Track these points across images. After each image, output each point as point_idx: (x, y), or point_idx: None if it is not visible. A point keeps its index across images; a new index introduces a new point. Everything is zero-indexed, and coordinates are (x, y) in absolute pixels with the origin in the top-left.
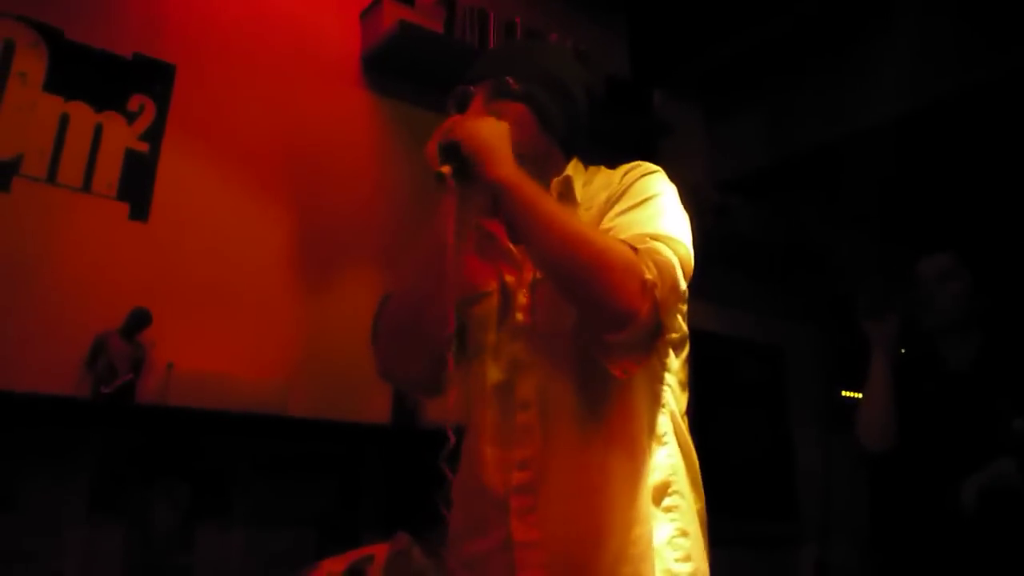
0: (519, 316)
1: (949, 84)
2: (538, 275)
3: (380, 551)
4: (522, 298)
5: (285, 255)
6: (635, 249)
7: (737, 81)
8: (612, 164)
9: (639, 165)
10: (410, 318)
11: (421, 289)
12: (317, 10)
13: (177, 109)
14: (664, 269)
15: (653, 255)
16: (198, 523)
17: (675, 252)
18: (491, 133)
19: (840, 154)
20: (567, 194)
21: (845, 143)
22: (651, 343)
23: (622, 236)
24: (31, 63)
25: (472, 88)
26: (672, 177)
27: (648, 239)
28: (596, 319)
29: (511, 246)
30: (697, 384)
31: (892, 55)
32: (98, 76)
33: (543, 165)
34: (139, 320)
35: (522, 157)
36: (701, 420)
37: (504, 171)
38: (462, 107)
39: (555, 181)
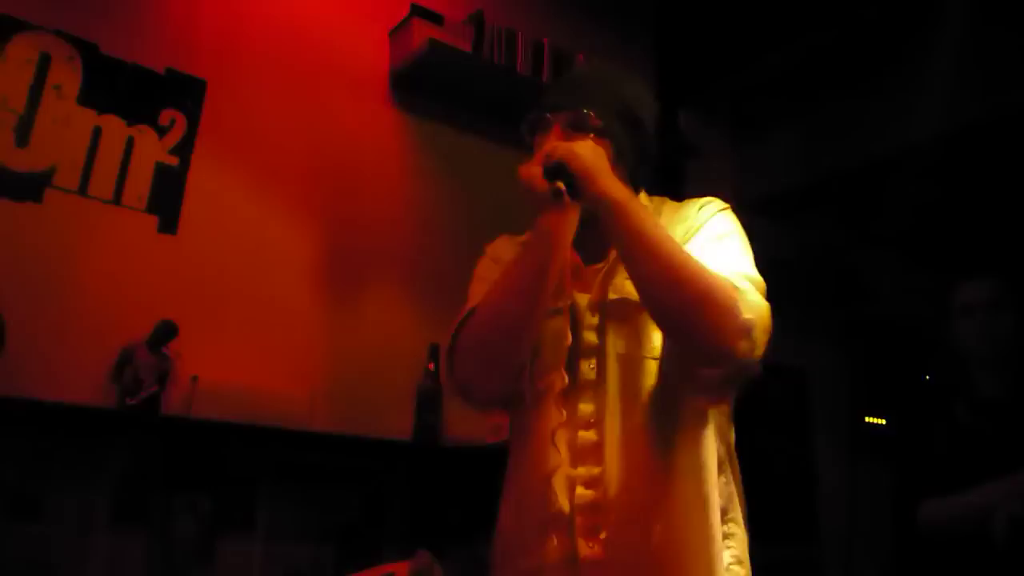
0: (589, 336)
1: (986, 105)
2: (609, 296)
3: (401, 569)
4: (591, 318)
5: (312, 270)
6: (732, 283)
7: (765, 102)
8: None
9: (713, 201)
10: (501, 334)
11: (518, 306)
12: (347, 28)
13: (207, 124)
14: (759, 311)
15: (750, 295)
16: (220, 535)
17: (763, 295)
18: (594, 153)
19: (870, 176)
20: None
21: (876, 165)
22: (741, 381)
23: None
24: (66, 76)
25: (548, 116)
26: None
27: (743, 278)
28: (693, 352)
29: (582, 265)
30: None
31: (926, 76)
32: (131, 90)
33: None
34: (166, 332)
35: None
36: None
37: (613, 188)
38: (535, 131)
39: None
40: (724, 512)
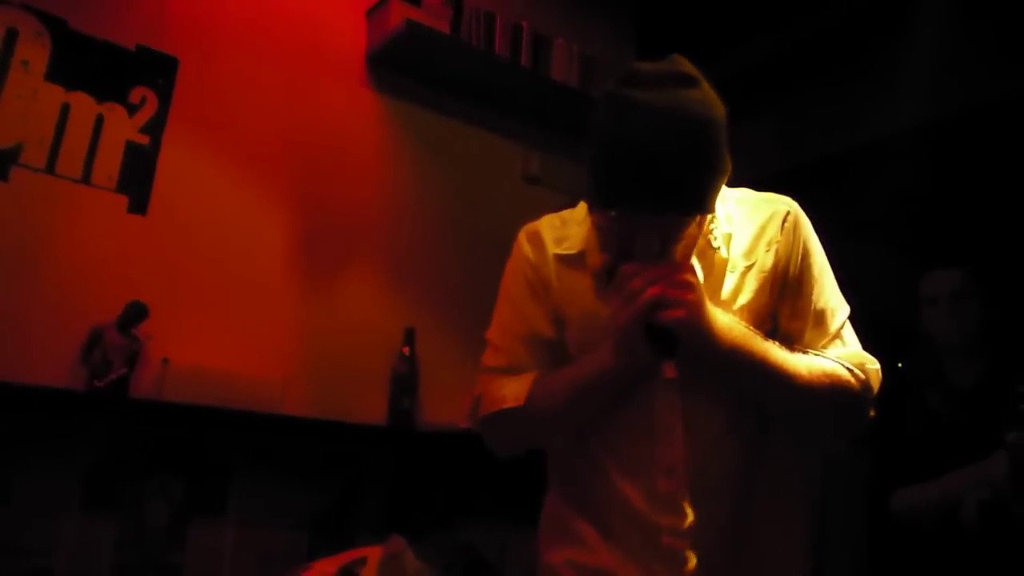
0: (666, 373)
1: (965, 96)
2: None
3: (373, 553)
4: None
5: (285, 252)
6: (850, 370)
7: (746, 89)
8: None
9: (786, 212)
10: (552, 430)
11: (579, 413)
12: (323, 7)
13: (179, 103)
14: (874, 377)
15: (865, 369)
16: (191, 520)
17: (853, 332)
18: (697, 310)
19: (849, 164)
20: (717, 250)
21: (857, 153)
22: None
23: (830, 344)
24: (34, 52)
25: (635, 223)
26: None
27: (854, 357)
28: (817, 438)
29: None
30: None
31: (909, 65)
32: (100, 67)
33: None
34: (136, 313)
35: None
36: None
37: (720, 352)
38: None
39: (711, 242)
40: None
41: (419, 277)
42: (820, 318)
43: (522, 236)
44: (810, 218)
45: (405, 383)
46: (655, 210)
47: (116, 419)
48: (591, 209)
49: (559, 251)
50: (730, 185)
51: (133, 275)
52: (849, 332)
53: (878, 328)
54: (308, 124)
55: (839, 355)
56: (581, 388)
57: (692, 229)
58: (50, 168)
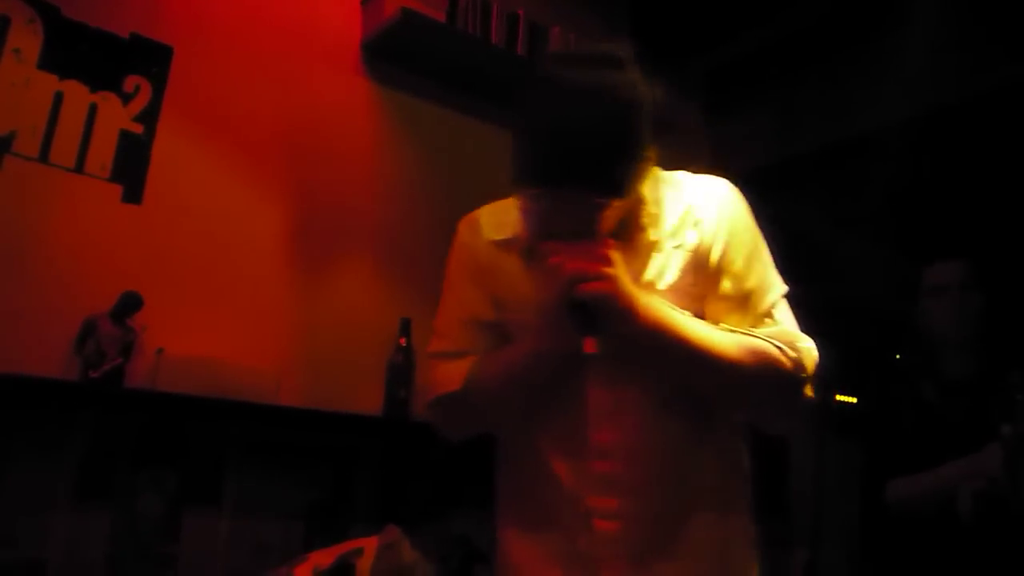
0: (599, 360)
1: (960, 87)
2: None
3: (369, 544)
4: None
5: (280, 241)
6: (780, 348)
7: (740, 79)
8: None
9: (714, 190)
10: (494, 415)
11: (518, 395)
12: None
13: (173, 91)
14: (809, 356)
15: (798, 346)
16: (185, 511)
17: (789, 311)
18: (618, 284)
19: (843, 156)
20: (645, 231)
21: (849, 145)
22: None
23: (760, 322)
24: (26, 40)
25: (563, 200)
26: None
27: (787, 334)
28: (761, 425)
29: None
30: None
31: (902, 56)
32: (94, 55)
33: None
34: (130, 303)
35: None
36: None
37: (643, 326)
38: (538, 266)
39: (641, 221)
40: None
41: (415, 267)
42: (749, 298)
43: (461, 224)
44: (806, 208)
45: (401, 374)
46: (573, 190)
47: (110, 409)
48: (517, 189)
49: (495, 236)
50: (721, 172)
51: (127, 265)
52: (783, 312)
53: (871, 318)
54: (303, 113)
55: (768, 333)
56: (514, 370)
57: (616, 209)
58: (43, 157)
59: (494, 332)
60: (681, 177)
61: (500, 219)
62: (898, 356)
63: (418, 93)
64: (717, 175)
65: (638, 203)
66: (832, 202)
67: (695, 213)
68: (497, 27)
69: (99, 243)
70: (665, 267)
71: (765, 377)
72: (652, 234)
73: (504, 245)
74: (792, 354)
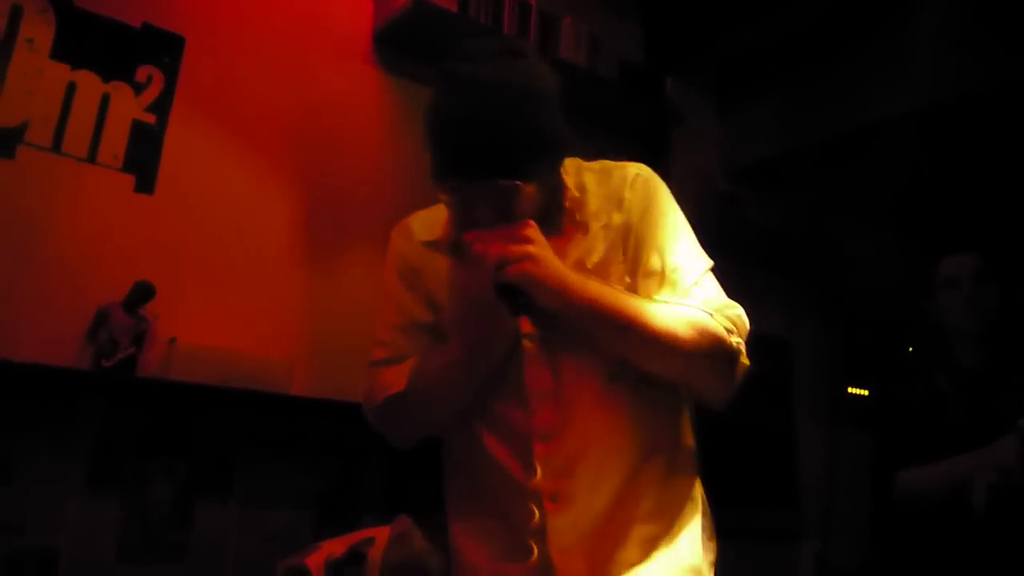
0: (527, 344)
1: (969, 79)
2: None
3: (381, 533)
4: (526, 326)
5: (292, 231)
6: (710, 313)
7: (752, 69)
8: (622, 152)
9: (637, 173)
10: (433, 414)
11: (457, 395)
12: None
13: (185, 81)
14: (738, 324)
15: (727, 314)
16: (196, 500)
17: (716, 283)
18: (541, 262)
19: (857, 146)
20: (573, 218)
21: (862, 135)
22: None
23: (685, 295)
24: (39, 30)
25: (468, 191)
26: (683, 166)
27: (712, 300)
28: (700, 393)
29: None
30: None
31: (913, 47)
32: (106, 45)
33: (544, 201)
34: (142, 293)
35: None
36: (704, 412)
37: (572, 300)
38: (462, 258)
39: (566, 207)
40: (692, 481)
41: None
42: (675, 271)
43: (393, 231)
44: (814, 198)
45: None
46: (480, 177)
47: (122, 398)
48: (435, 186)
49: (425, 238)
50: (733, 168)
51: (139, 255)
52: (710, 284)
53: (882, 311)
54: (314, 103)
55: (698, 302)
56: (453, 363)
57: (530, 195)
58: (56, 147)
59: (432, 334)
60: (604, 164)
61: (430, 221)
62: (911, 348)
63: (429, 83)
64: (727, 165)
65: (560, 189)
66: (843, 193)
67: (618, 195)
68: (509, 17)
69: (111, 233)
70: (592, 247)
71: (699, 342)
72: (578, 216)
73: (434, 246)
74: (723, 320)
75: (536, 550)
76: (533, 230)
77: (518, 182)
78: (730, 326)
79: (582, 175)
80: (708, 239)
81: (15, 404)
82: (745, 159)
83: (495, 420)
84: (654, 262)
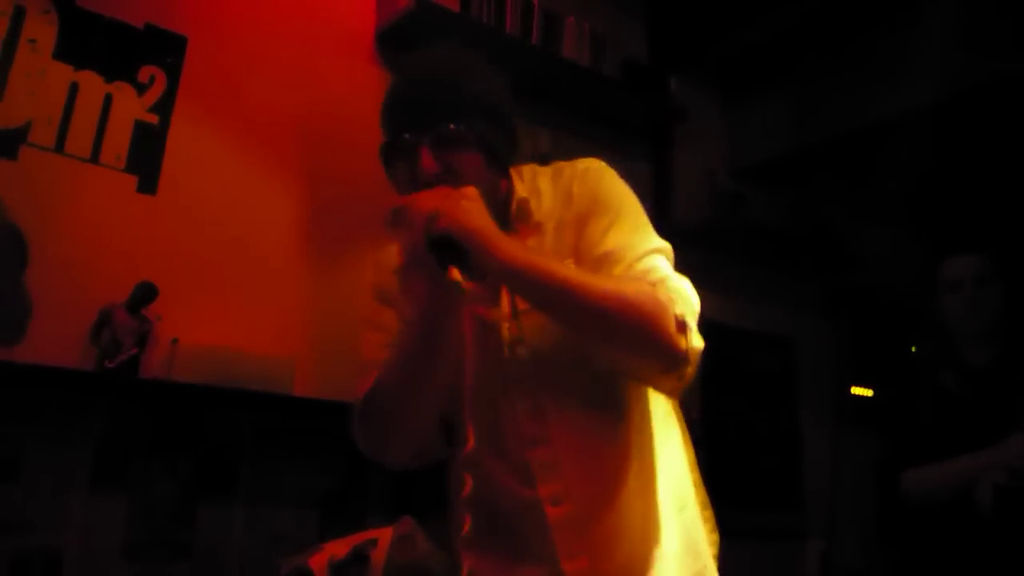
0: (513, 352)
1: (976, 75)
2: (520, 305)
3: (384, 535)
4: (507, 332)
5: (295, 232)
6: (652, 283)
7: (757, 67)
8: (624, 149)
9: (587, 166)
10: (400, 410)
11: (414, 385)
12: None
13: (188, 81)
14: (683, 296)
15: (669, 285)
16: (200, 499)
17: (670, 262)
18: (475, 215)
19: (862, 143)
20: (526, 218)
21: (867, 132)
22: (693, 369)
23: (627, 271)
24: (41, 30)
25: (408, 138)
26: (687, 164)
27: (654, 265)
28: (641, 368)
29: (477, 285)
30: (706, 375)
31: (919, 43)
32: (109, 45)
33: (493, 196)
34: (145, 294)
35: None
36: (709, 411)
37: (505, 256)
38: (395, 159)
39: (514, 209)
40: (680, 486)
41: None
42: (618, 252)
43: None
44: (819, 196)
45: None
46: (422, 123)
47: (126, 399)
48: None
49: (396, 265)
50: (738, 165)
51: (142, 255)
52: (657, 261)
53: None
54: (318, 103)
55: (637, 275)
56: (408, 340)
57: (479, 165)
58: (59, 147)
59: None
60: (558, 165)
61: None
62: (914, 347)
63: None
64: (732, 163)
65: (511, 193)
66: (850, 190)
67: (568, 191)
68: (512, 16)
69: (114, 233)
70: (544, 245)
71: (639, 309)
72: (532, 219)
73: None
74: (665, 291)
75: (542, 559)
76: (471, 190)
77: (458, 126)
78: (673, 296)
79: (536, 179)
80: (712, 237)
81: (21, 404)
82: (749, 157)
83: (486, 438)
84: (600, 246)
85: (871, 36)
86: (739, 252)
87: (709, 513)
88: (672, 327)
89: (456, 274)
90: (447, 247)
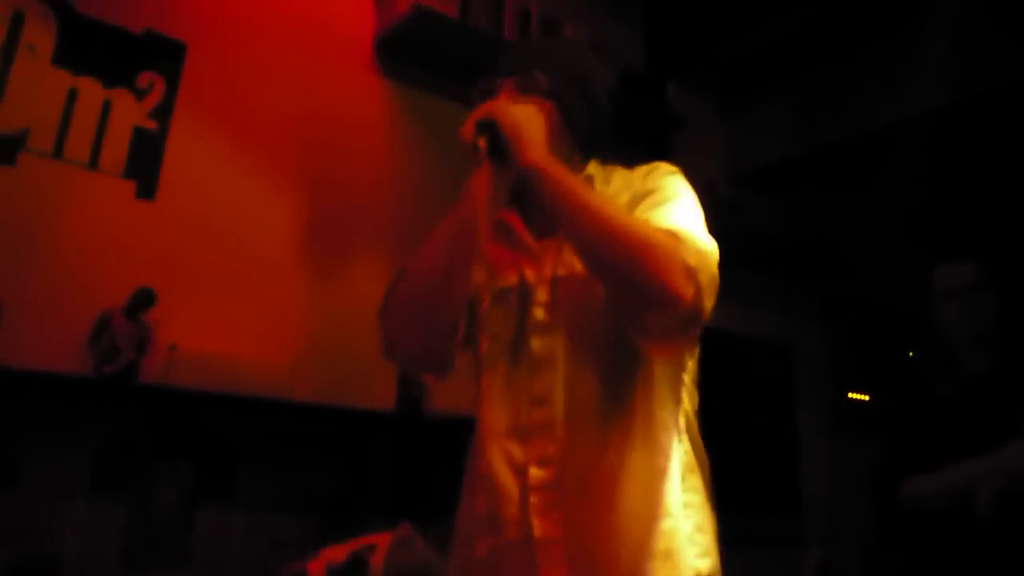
0: (539, 313)
1: (977, 81)
2: (559, 271)
3: (382, 540)
4: (542, 295)
5: (294, 238)
6: (675, 236)
7: (754, 75)
8: (625, 157)
9: (660, 166)
10: (427, 293)
11: (443, 264)
12: None
13: (187, 88)
14: (704, 257)
15: (694, 242)
16: (199, 505)
17: (712, 263)
18: (527, 117)
19: (858, 150)
20: None
21: (865, 139)
22: (692, 328)
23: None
24: (40, 36)
25: (499, 81)
26: (685, 171)
27: (686, 232)
28: (639, 300)
29: (530, 241)
30: (705, 381)
31: (917, 51)
32: (107, 52)
33: (559, 153)
34: (143, 299)
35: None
36: (708, 417)
37: (537, 155)
38: (486, 97)
39: None
40: (684, 480)
41: None
42: (656, 220)
43: None
44: (817, 203)
45: None
46: (512, 69)
47: (124, 405)
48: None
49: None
50: (735, 172)
51: (141, 261)
52: (691, 226)
53: (885, 316)
54: (316, 109)
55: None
56: (437, 233)
57: (554, 116)
58: (57, 153)
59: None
60: (637, 167)
61: None
62: (912, 354)
63: (430, 89)
64: (730, 170)
65: (581, 170)
66: (848, 197)
67: (634, 183)
68: (510, 23)
69: (113, 239)
70: None
71: (645, 236)
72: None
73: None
74: (682, 237)
75: (519, 526)
76: (532, 106)
77: (541, 76)
78: (691, 247)
79: (612, 173)
80: None
81: (20, 410)
82: (747, 164)
83: (494, 387)
84: (644, 214)
85: (868, 45)
86: (737, 259)
87: (701, 537)
88: (679, 269)
89: (482, 143)
90: (489, 133)
